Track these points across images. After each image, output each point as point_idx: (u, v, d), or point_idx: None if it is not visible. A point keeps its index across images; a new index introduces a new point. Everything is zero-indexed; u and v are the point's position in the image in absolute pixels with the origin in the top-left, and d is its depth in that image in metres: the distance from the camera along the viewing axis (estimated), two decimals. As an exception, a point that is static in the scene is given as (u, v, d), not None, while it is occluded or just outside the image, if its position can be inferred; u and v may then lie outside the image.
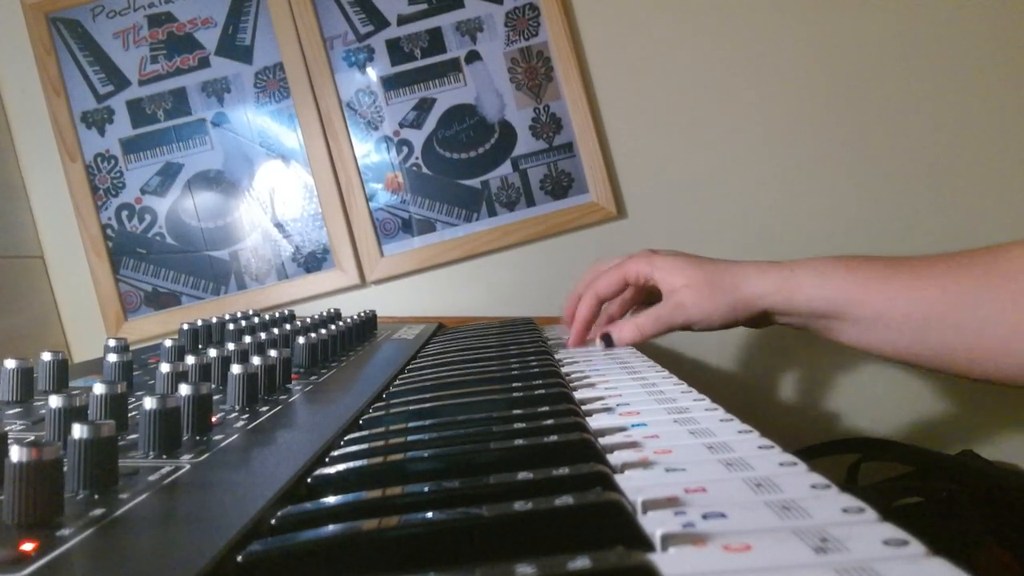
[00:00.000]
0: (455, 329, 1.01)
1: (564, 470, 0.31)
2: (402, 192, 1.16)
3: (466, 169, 1.16)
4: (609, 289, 0.74)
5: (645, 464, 0.34)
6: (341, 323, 0.80)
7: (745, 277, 0.66)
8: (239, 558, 0.27)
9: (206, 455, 0.38)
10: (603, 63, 1.15)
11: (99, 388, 0.42)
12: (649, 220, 1.15)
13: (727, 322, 0.67)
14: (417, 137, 1.16)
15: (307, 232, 1.18)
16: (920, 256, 0.61)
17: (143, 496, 0.32)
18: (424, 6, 1.16)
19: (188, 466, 0.36)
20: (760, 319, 0.68)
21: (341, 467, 0.36)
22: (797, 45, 1.15)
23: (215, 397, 0.48)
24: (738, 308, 0.66)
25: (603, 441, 0.38)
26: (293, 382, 0.59)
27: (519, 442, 0.36)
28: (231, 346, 0.61)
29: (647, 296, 0.79)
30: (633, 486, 0.30)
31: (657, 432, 0.39)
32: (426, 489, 0.31)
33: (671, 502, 0.29)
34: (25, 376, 0.53)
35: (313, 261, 1.17)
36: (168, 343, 0.64)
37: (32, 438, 0.43)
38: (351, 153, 1.16)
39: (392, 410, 0.49)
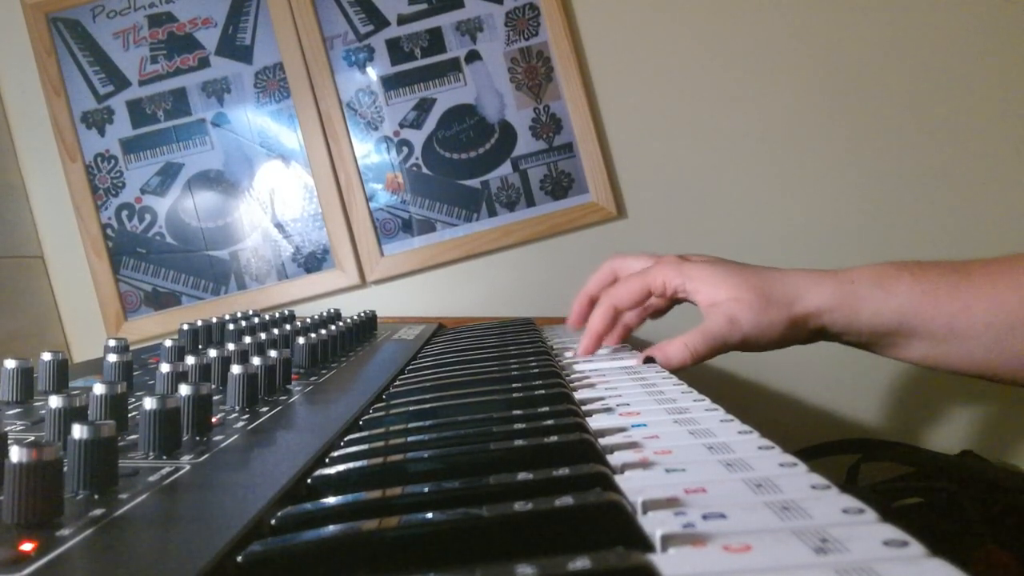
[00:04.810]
0: (455, 329, 1.01)
1: (564, 470, 0.31)
2: (402, 192, 1.16)
3: (466, 169, 1.16)
4: (629, 300, 0.64)
5: (645, 465, 0.34)
6: (341, 323, 0.80)
7: (798, 289, 0.57)
8: (239, 558, 0.27)
9: (206, 455, 0.38)
10: (603, 63, 1.15)
11: (99, 388, 0.42)
12: (649, 220, 1.15)
13: (785, 340, 0.58)
14: (417, 137, 1.16)
15: (307, 232, 1.18)
16: (981, 259, 0.55)
17: (143, 496, 0.32)
18: (424, 6, 1.16)
19: (188, 466, 0.36)
20: (815, 336, 0.59)
21: (341, 467, 0.36)
22: (797, 45, 1.15)
23: (215, 397, 0.48)
24: (795, 325, 0.57)
25: (603, 441, 0.38)
26: (293, 382, 0.59)
27: (519, 442, 0.36)
28: (231, 346, 0.61)
29: (671, 306, 0.71)
30: (633, 486, 0.30)
31: (657, 432, 0.39)
32: (426, 489, 0.31)
33: (671, 502, 0.29)
34: (25, 376, 0.53)
35: (313, 261, 1.17)
36: (168, 343, 0.64)
37: (32, 438, 0.43)
38: (351, 153, 1.16)
39: (392, 411, 0.49)
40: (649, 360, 0.61)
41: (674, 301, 0.67)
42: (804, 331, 0.58)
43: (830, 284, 0.57)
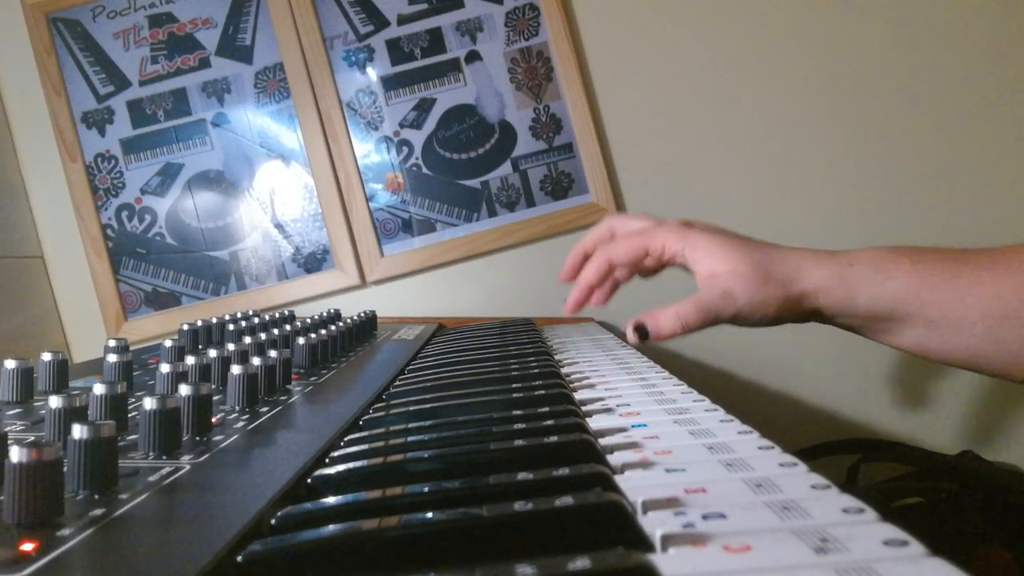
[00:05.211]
0: (455, 329, 1.01)
1: (564, 471, 0.31)
2: (402, 192, 1.16)
3: (466, 169, 1.16)
4: (626, 257, 0.62)
5: (645, 465, 0.34)
6: (341, 323, 0.80)
7: (798, 267, 0.56)
8: (239, 558, 0.27)
9: (206, 455, 0.38)
10: (603, 63, 1.15)
11: (99, 388, 0.42)
12: (649, 220, 1.14)
13: (779, 318, 0.57)
14: (417, 137, 1.16)
15: (307, 232, 1.18)
16: (980, 248, 0.54)
17: (143, 496, 0.32)
18: (424, 6, 1.16)
19: (188, 466, 0.36)
20: (808, 317, 0.58)
21: (341, 467, 0.36)
22: (797, 45, 1.15)
23: (215, 398, 0.48)
24: (791, 303, 0.56)
25: (603, 442, 0.38)
26: (293, 383, 0.59)
27: (519, 443, 0.36)
28: (231, 346, 0.61)
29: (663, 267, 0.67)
30: (633, 487, 0.30)
31: (657, 433, 0.39)
32: (426, 489, 0.31)
33: (671, 502, 0.29)
34: (25, 376, 0.53)
35: (313, 261, 1.17)
36: (168, 343, 0.64)
37: (32, 438, 0.43)
38: (351, 153, 1.16)
39: (392, 411, 0.49)
40: (640, 327, 0.58)
41: (668, 265, 0.65)
42: (798, 310, 0.57)
43: (829, 265, 0.56)
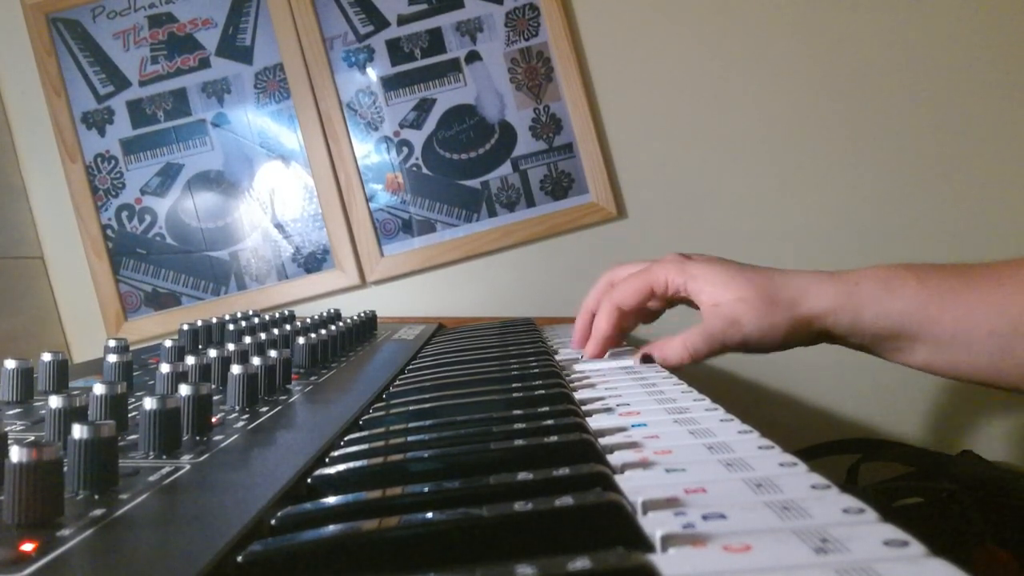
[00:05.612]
0: (455, 329, 1.01)
1: (564, 470, 0.31)
2: (402, 192, 1.16)
3: (466, 169, 1.16)
4: (632, 299, 0.62)
5: (645, 464, 0.34)
6: (341, 323, 0.80)
7: (803, 290, 0.56)
8: (239, 558, 0.27)
9: (206, 455, 0.38)
10: (603, 63, 1.15)
11: (99, 388, 0.42)
12: (649, 220, 1.15)
13: (787, 342, 0.57)
14: (417, 137, 1.16)
15: (307, 232, 1.18)
16: (986, 263, 0.54)
17: (143, 496, 0.32)
18: (424, 6, 1.16)
19: (188, 466, 0.36)
20: (818, 339, 0.58)
21: (341, 467, 0.36)
22: (797, 46, 1.15)
23: (215, 397, 0.48)
24: (799, 326, 0.56)
25: (603, 441, 0.38)
26: (293, 382, 0.59)
27: (519, 442, 0.36)
28: (231, 346, 0.61)
29: (664, 310, 0.68)
30: (633, 486, 0.30)
31: (657, 432, 0.39)
32: (426, 489, 0.31)
33: (671, 503, 0.29)
34: (25, 376, 0.53)
35: (313, 261, 1.17)
36: (168, 343, 0.64)
37: (32, 438, 0.43)
38: (351, 153, 1.16)
39: (392, 410, 0.49)
40: (647, 358, 0.60)
41: (673, 302, 0.65)
42: (807, 334, 0.57)
43: (834, 285, 0.56)
